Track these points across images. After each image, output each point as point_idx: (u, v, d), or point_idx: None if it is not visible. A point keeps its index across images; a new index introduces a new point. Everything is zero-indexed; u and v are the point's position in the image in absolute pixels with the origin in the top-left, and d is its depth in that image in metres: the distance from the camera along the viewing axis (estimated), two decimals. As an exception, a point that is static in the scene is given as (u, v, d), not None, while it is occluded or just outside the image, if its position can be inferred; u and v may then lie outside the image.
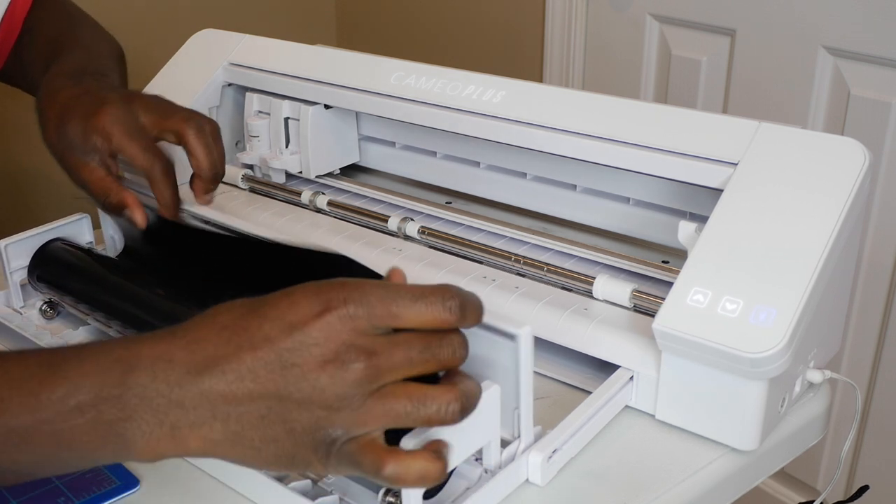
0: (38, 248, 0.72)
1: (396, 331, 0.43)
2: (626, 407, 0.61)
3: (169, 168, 0.69)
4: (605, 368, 0.61)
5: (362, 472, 0.42)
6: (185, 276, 0.66)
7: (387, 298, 0.42)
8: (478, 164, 0.82)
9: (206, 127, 0.71)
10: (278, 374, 0.41)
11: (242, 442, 0.43)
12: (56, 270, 0.71)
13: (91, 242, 0.75)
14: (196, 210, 0.69)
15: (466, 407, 0.43)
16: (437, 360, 0.43)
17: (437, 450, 0.43)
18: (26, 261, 0.72)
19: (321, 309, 0.42)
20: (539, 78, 1.79)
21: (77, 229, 0.74)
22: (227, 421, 0.42)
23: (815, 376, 0.61)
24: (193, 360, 0.42)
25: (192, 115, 0.71)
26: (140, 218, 0.68)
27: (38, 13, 0.90)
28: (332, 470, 0.43)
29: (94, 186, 0.69)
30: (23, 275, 0.72)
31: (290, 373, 0.41)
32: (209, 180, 0.71)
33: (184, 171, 0.72)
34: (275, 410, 0.42)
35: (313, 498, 0.50)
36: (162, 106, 0.72)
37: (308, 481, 0.52)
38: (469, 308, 0.44)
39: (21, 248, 0.72)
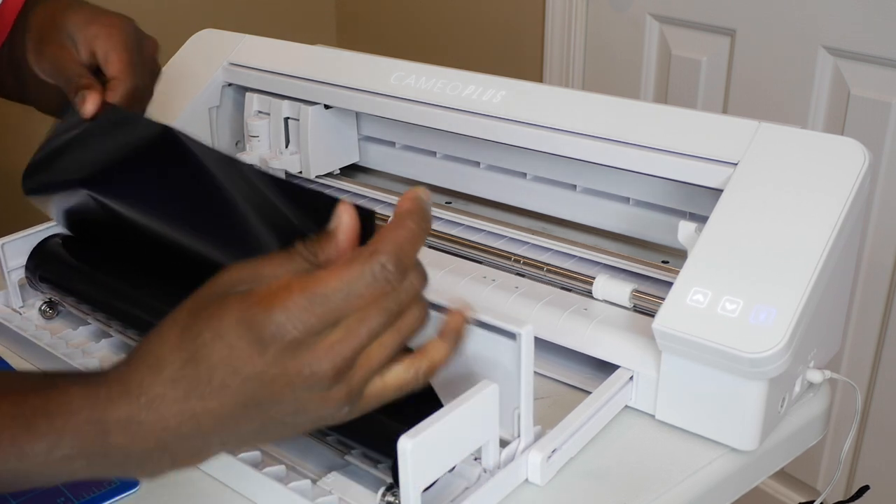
0: (34, 246, 0.72)
1: None
2: (626, 407, 0.61)
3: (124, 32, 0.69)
4: (605, 368, 0.61)
5: (341, 415, 0.42)
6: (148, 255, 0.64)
7: (313, 303, 0.40)
8: (478, 164, 0.82)
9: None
10: (252, 406, 0.41)
11: (238, 446, 0.44)
12: (54, 268, 0.71)
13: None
14: None
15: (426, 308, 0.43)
16: (400, 327, 0.42)
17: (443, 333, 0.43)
18: (24, 260, 0.72)
19: (261, 348, 0.40)
20: (539, 78, 1.79)
21: (77, 229, 0.74)
22: (225, 444, 0.43)
23: (815, 376, 0.61)
24: (161, 418, 0.42)
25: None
26: (90, 106, 0.65)
27: (27, 12, 0.90)
28: (360, 411, 0.43)
29: (69, 66, 0.68)
30: (21, 274, 0.72)
31: (264, 399, 0.41)
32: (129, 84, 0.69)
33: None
34: (270, 426, 0.42)
35: (313, 498, 0.50)
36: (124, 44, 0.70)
37: (308, 481, 0.52)
38: (403, 264, 0.41)
39: (19, 247, 0.72)
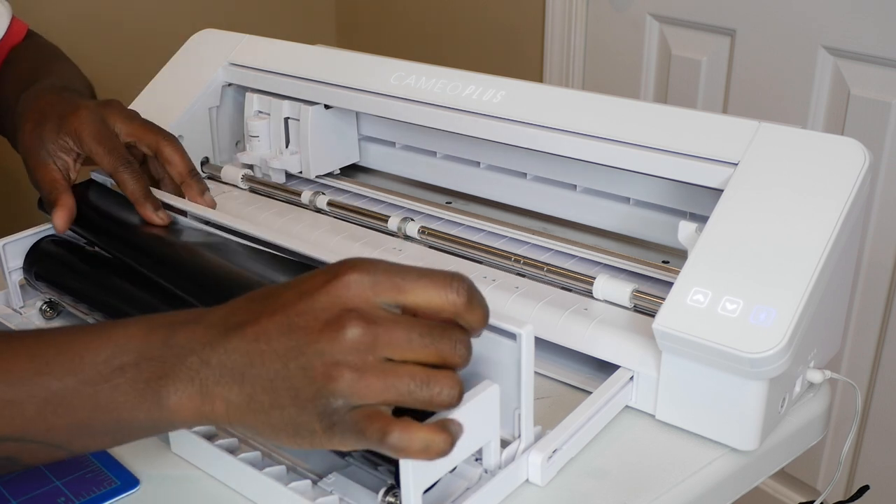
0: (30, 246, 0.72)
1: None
2: (626, 407, 0.61)
3: (134, 169, 0.73)
4: (605, 368, 0.61)
5: (367, 440, 0.43)
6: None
7: (392, 270, 0.45)
8: (478, 164, 0.82)
9: (174, 139, 0.77)
10: (286, 336, 0.44)
11: (255, 406, 0.45)
12: (52, 267, 0.71)
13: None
14: (197, 211, 0.69)
15: (462, 392, 0.45)
16: (437, 349, 0.44)
17: (444, 425, 0.44)
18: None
19: (330, 277, 0.45)
20: (539, 78, 1.79)
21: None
22: (243, 382, 0.45)
23: (815, 376, 0.61)
24: (225, 324, 0.46)
25: (161, 129, 0.77)
26: (60, 222, 0.71)
27: (17, 48, 0.92)
28: (337, 441, 0.44)
29: (45, 183, 0.73)
30: (21, 274, 0.72)
31: (296, 335, 0.44)
32: (195, 180, 0.77)
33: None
34: (281, 375, 0.44)
35: (313, 498, 0.50)
36: (134, 116, 0.77)
37: (308, 481, 0.52)
38: (475, 298, 0.45)
39: (19, 247, 0.72)
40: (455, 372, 0.45)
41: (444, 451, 0.44)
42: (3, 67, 0.92)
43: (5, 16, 0.92)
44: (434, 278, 0.45)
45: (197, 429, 0.56)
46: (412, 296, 0.45)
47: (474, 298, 0.45)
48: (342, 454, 0.53)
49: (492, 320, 0.49)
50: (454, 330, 0.45)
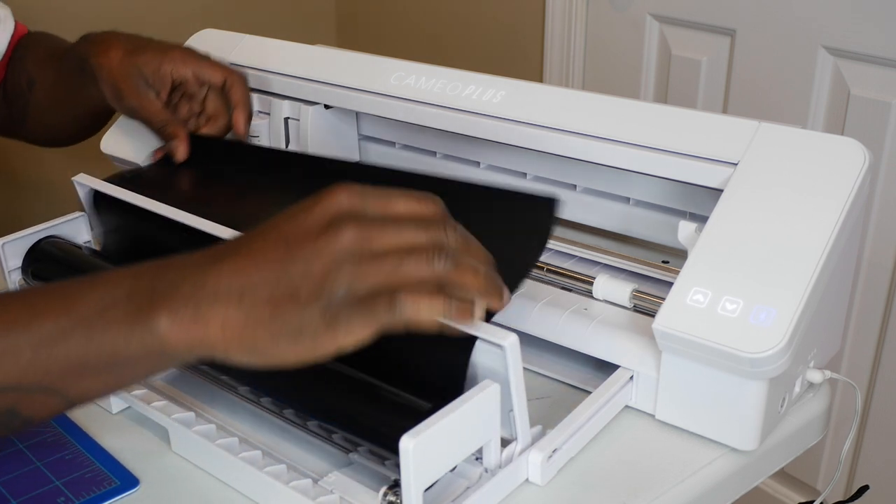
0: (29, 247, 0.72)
1: None
2: (626, 407, 0.61)
3: (245, 79, 0.84)
4: (605, 368, 0.61)
5: (375, 317, 0.45)
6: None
7: (377, 188, 0.48)
8: (478, 164, 0.82)
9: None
10: (283, 248, 0.46)
11: (253, 319, 0.45)
12: (50, 267, 0.71)
13: (89, 241, 0.75)
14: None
15: (490, 277, 0.48)
16: (430, 235, 0.47)
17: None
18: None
19: (319, 196, 0.47)
20: (539, 78, 1.79)
21: (74, 228, 0.74)
22: (241, 298, 0.45)
23: (815, 376, 0.61)
24: (217, 252, 0.47)
25: (227, 66, 0.85)
26: (182, 153, 0.80)
27: (24, 38, 0.93)
28: (341, 335, 0.45)
29: (155, 116, 0.80)
30: (20, 274, 0.72)
31: (292, 245, 0.46)
32: (249, 115, 0.85)
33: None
34: (281, 281, 0.45)
35: (314, 497, 0.50)
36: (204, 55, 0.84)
37: (309, 480, 0.52)
38: (451, 221, 0.49)
39: (18, 246, 0.72)
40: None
41: (448, 312, 0.46)
42: (14, 57, 0.92)
43: (9, 18, 0.93)
44: (415, 193, 0.49)
45: (197, 428, 0.56)
46: (398, 206, 0.48)
47: (449, 219, 0.49)
48: (346, 451, 0.53)
49: (479, 333, 0.49)
50: (444, 218, 0.48)
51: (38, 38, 0.94)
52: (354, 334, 0.45)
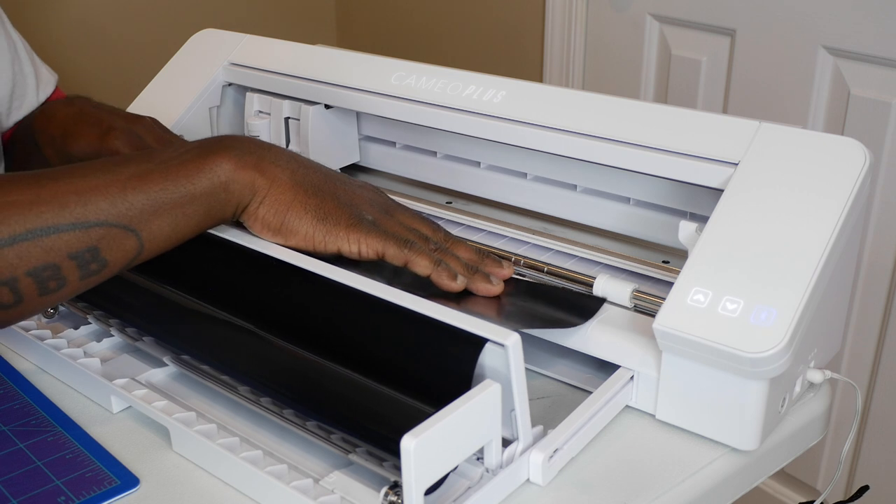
0: None
1: None
2: (627, 407, 0.61)
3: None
4: (605, 368, 0.61)
5: (385, 244, 0.60)
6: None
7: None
8: (478, 164, 0.82)
9: None
10: (335, 179, 0.63)
11: (299, 188, 0.60)
12: None
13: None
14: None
15: (470, 266, 0.64)
16: (433, 229, 0.65)
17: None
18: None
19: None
20: (539, 78, 1.79)
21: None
22: (295, 173, 0.61)
23: (816, 376, 0.61)
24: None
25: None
26: None
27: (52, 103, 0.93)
28: (354, 236, 0.60)
29: None
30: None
31: (343, 184, 0.64)
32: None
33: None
34: (328, 186, 0.62)
35: (315, 497, 0.50)
36: (159, 128, 0.81)
37: (310, 480, 0.52)
38: (450, 234, 0.67)
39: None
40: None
41: (448, 275, 0.60)
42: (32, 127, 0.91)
43: (51, 82, 0.94)
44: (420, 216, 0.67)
45: (197, 428, 0.56)
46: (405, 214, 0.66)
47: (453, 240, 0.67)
48: (346, 452, 0.53)
49: (481, 332, 0.49)
50: (444, 230, 0.67)
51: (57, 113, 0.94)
52: (361, 243, 0.59)
